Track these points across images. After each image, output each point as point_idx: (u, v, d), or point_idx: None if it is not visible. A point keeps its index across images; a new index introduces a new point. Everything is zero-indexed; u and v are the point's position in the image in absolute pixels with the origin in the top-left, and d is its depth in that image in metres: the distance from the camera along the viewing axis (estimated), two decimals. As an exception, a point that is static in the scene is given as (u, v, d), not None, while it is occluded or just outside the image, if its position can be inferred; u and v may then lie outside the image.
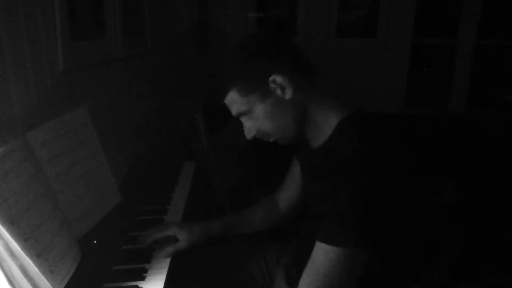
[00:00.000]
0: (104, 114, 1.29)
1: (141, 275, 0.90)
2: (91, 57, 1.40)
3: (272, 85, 0.85)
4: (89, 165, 1.01)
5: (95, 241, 0.96)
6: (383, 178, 0.79)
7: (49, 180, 0.86)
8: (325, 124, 0.88)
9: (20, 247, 0.68)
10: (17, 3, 0.95)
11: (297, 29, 3.63)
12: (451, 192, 2.44)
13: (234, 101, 0.88)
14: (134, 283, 0.88)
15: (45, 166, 0.86)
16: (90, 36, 1.45)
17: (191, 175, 1.52)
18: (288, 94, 0.85)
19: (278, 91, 0.85)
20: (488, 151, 3.05)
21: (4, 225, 0.67)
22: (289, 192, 1.17)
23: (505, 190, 2.51)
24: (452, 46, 3.79)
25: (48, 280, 0.71)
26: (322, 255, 0.79)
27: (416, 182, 0.92)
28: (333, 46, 3.61)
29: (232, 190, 2.13)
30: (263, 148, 1.77)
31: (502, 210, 2.31)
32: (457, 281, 1.71)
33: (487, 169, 2.77)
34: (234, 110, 0.90)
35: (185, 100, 2.40)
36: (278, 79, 0.84)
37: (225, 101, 0.90)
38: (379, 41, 3.65)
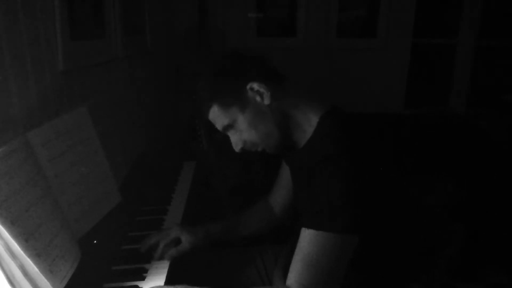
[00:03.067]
0: (104, 114, 1.29)
1: (141, 275, 0.90)
2: (91, 57, 1.40)
3: (250, 93, 0.89)
4: (89, 165, 1.01)
5: (95, 241, 0.96)
6: (369, 166, 0.83)
7: (49, 180, 0.86)
8: (307, 124, 0.90)
9: (20, 247, 0.68)
10: (17, 3, 0.95)
11: (297, 29, 3.63)
12: (451, 192, 2.44)
13: (217, 116, 0.92)
14: (134, 283, 0.88)
15: (45, 166, 0.86)
16: (90, 36, 1.45)
17: (191, 175, 1.52)
18: (267, 99, 0.88)
19: (257, 98, 0.89)
20: (488, 151, 3.05)
21: (4, 225, 0.67)
22: (281, 194, 1.18)
23: (505, 190, 2.51)
24: (452, 46, 3.79)
25: (48, 280, 0.71)
26: (309, 241, 0.80)
27: (416, 182, 0.92)
28: (333, 46, 3.61)
29: (232, 190, 2.13)
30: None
31: (502, 210, 2.31)
32: (457, 281, 1.72)
33: (487, 169, 2.77)
34: (219, 125, 0.93)
35: (185, 100, 2.40)
36: (255, 86, 0.88)
37: (209, 118, 0.94)
38: (379, 41, 3.65)
